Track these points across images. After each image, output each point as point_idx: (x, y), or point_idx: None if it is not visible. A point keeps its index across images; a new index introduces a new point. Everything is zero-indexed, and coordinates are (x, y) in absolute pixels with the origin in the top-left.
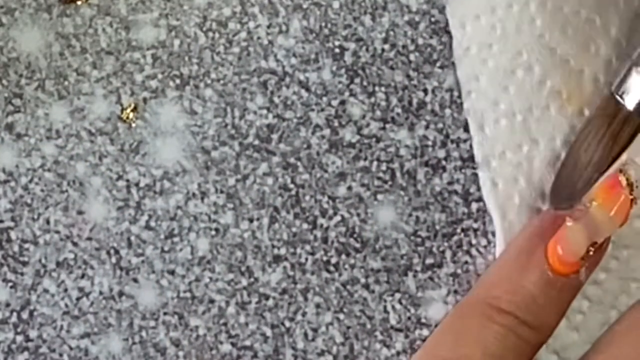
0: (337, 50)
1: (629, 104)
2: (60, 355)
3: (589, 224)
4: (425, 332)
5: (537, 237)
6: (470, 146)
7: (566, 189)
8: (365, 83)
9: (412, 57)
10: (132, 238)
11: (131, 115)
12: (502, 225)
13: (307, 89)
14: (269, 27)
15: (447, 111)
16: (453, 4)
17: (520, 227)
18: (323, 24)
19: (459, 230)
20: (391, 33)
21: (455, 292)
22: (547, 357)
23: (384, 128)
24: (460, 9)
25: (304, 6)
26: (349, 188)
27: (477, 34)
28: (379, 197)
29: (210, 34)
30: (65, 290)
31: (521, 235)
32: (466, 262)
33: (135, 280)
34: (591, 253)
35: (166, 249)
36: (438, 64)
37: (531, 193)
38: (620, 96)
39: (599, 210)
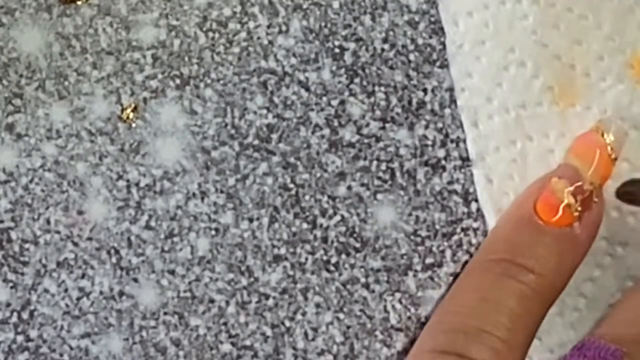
0: (337, 50)
1: None
2: (61, 355)
3: (569, 172)
4: None
5: (526, 198)
6: None
7: None
8: (365, 83)
9: (411, 56)
10: (132, 238)
11: (131, 115)
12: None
13: (307, 89)
14: (269, 27)
15: (447, 111)
16: (445, 1)
17: None
18: (323, 24)
19: (458, 230)
20: (391, 33)
21: None
22: (544, 355)
23: (383, 128)
24: (453, 6)
25: (304, 6)
26: (349, 188)
27: (469, 30)
28: (379, 196)
29: (211, 34)
30: (66, 290)
31: (512, 203)
32: (466, 262)
33: (135, 280)
34: (580, 202)
35: (166, 248)
36: (437, 64)
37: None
38: None
39: (573, 158)
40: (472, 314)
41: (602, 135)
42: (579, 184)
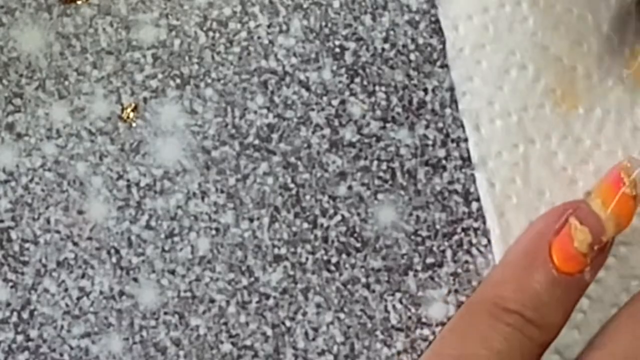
0: (337, 49)
1: None
2: (61, 354)
3: (592, 222)
4: (425, 331)
5: (542, 236)
6: None
7: None
8: (365, 82)
9: (412, 56)
10: (133, 238)
11: (131, 114)
12: (499, 226)
13: (308, 89)
14: (269, 26)
15: (448, 110)
16: (444, 5)
17: (518, 227)
18: (323, 24)
19: (459, 230)
20: (391, 32)
21: (456, 291)
22: (549, 357)
23: (384, 127)
24: (453, 10)
25: (305, 6)
26: (350, 187)
27: (470, 34)
28: (380, 196)
29: (211, 34)
30: (66, 289)
31: (526, 235)
32: (466, 262)
33: (135, 279)
34: (595, 251)
35: (166, 248)
36: (438, 64)
37: (528, 192)
38: None
39: (601, 208)
40: None
41: (626, 173)
42: (605, 239)
